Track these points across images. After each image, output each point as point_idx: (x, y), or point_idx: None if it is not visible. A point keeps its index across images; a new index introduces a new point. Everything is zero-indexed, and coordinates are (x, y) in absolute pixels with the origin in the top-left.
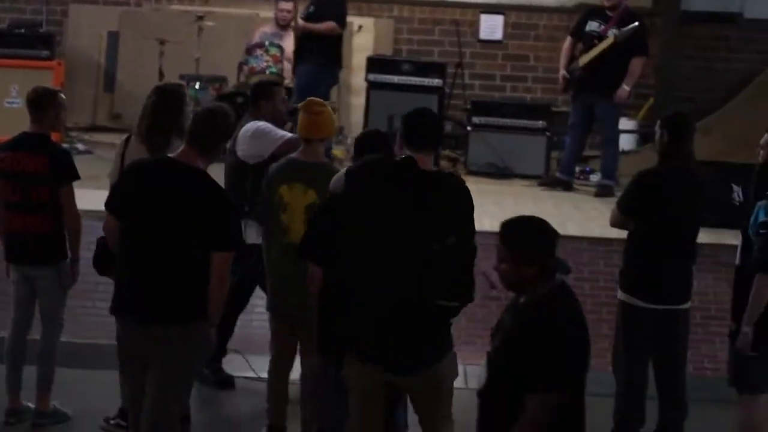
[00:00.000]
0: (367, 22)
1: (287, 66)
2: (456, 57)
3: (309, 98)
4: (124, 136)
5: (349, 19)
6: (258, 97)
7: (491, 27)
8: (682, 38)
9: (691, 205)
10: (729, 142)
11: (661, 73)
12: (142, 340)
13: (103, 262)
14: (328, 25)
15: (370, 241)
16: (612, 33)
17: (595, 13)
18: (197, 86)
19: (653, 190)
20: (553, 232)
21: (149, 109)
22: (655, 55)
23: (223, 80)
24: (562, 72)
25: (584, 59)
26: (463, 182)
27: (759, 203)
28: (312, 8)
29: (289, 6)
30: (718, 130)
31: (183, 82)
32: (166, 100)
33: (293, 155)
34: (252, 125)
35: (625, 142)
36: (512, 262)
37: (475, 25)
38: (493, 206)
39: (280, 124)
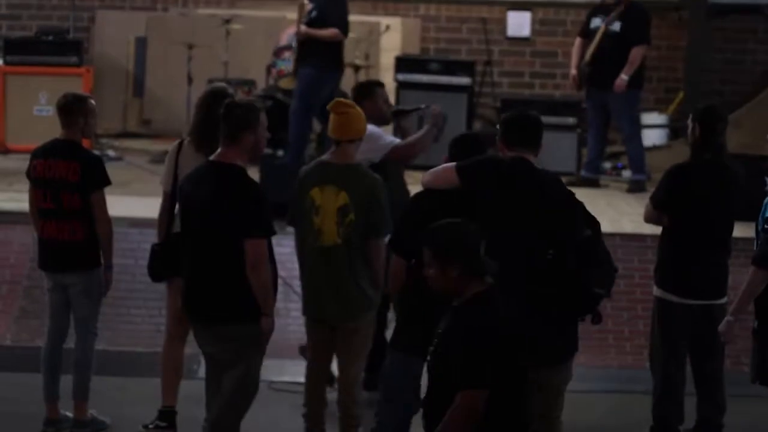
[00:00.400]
0: (394, 21)
1: None
2: (484, 55)
3: (336, 99)
4: (176, 142)
5: (376, 19)
6: (361, 97)
7: (519, 24)
8: (710, 31)
9: (725, 199)
10: (760, 134)
11: (690, 67)
12: (207, 340)
13: (157, 269)
14: (332, 32)
15: (501, 238)
16: (616, 23)
17: (599, 9)
18: None
19: (686, 185)
20: (476, 235)
21: (204, 114)
22: (683, 48)
23: (251, 83)
24: (573, 71)
25: (587, 54)
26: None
27: (766, 199)
28: (314, 13)
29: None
30: (749, 122)
31: (226, 85)
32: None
33: (324, 157)
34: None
35: (657, 136)
36: (437, 267)
37: (502, 23)
38: None
39: (382, 124)
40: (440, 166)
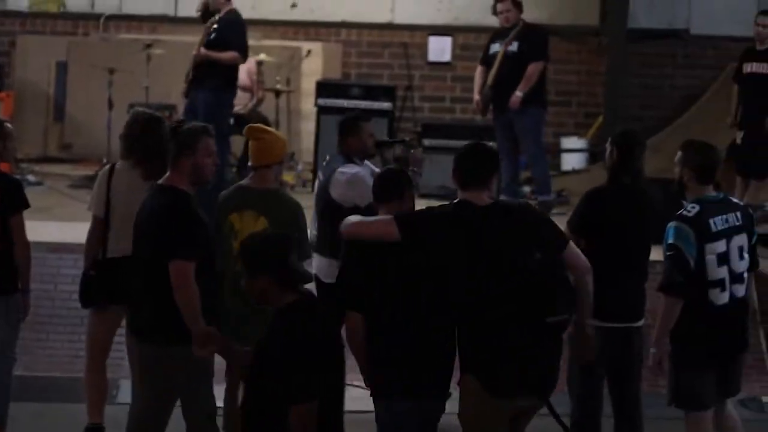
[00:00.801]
0: (316, 46)
1: (237, 93)
2: (405, 80)
3: (251, 125)
4: (106, 166)
5: (298, 43)
6: (344, 133)
7: (440, 49)
8: (629, 56)
9: (641, 223)
10: None
11: (610, 92)
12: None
13: (89, 295)
14: (232, 55)
15: (484, 280)
16: (514, 45)
17: (498, 35)
18: None
19: (602, 209)
20: (284, 246)
21: (139, 135)
22: (603, 73)
23: (172, 108)
24: (476, 97)
25: (489, 78)
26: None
27: (669, 224)
28: (213, 35)
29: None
30: (667, 147)
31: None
32: (153, 126)
33: (243, 182)
34: (348, 171)
35: (576, 161)
36: (247, 277)
37: (423, 48)
38: None
39: (366, 157)
40: (370, 219)
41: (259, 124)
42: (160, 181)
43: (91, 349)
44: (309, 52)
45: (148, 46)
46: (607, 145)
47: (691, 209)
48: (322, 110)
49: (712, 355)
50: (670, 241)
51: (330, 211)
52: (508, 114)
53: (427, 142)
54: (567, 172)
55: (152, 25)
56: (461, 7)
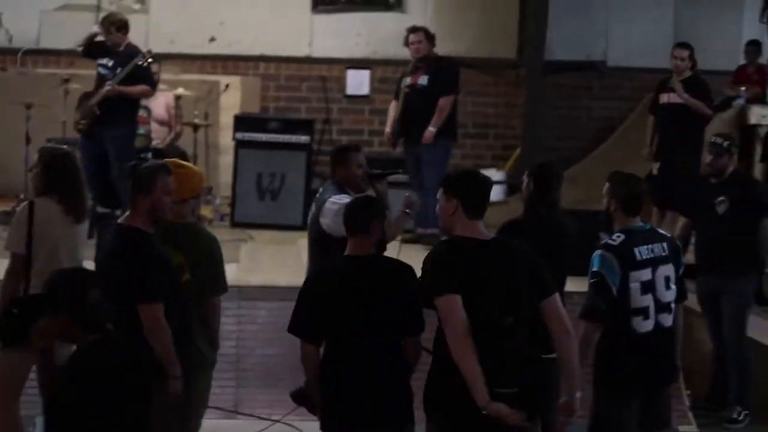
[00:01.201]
0: (234, 80)
1: (155, 127)
2: (323, 113)
3: (167, 159)
4: (25, 203)
5: (216, 77)
6: (333, 163)
7: (358, 82)
8: (547, 88)
9: (557, 254)
10: (596, 190)
11: (527, 124)
12: None
13: (11, 333)
14: (143, 88)
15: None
16: (424, 78)
17: (407, 70)
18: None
19: (521, 239)
20: (83, 284)
21: (64, 172)
22: (520, 105)
23: None
24: (387, 130)
25: (397, 112)
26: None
27: (594, 253)
28: (119, 70)
29: (155, 67)
30: (584, 178)
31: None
32: (66, 161)
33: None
34: (337, 200)
35: (494, 193)
36: (48, 314)
37: (341, 81)
38: None
39: (357, 190)
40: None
41: (174, 159)
42: (119, 221)
43: (8, 388)
44: (227, 86)
45: (66, 80)
46: (524, 177)
47: (616, 238)
48: (240, 144)
49: (635, 383)
50: (594, 268)
51: (321, 240)
52: (413, 146)
53: None
54: None
55: (69, 59)
56: (379, 41)
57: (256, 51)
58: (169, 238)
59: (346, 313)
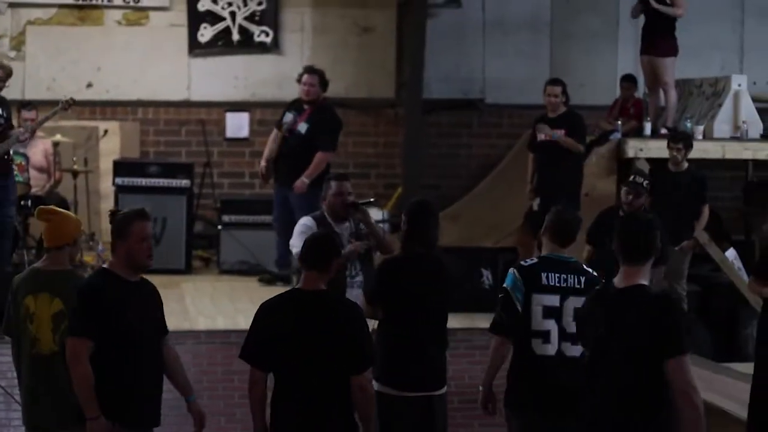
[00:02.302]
0: (113, 125)
1: (33, 174)
2: (204, 156)
3: (40, 207)
4: None
5: (95, 123)
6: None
7: (237, 125)
8: (425, 126)
9: (436, 291)
10: (477, 226)
11: (407, 162)
12: None
13: None
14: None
15: None
16: (304, 125)
17: (294, 105)
18: None
19: (395, 278)
20: None
21: None
22: (400, 144)
23: None
24: (262, 163)
25: (272, 152)
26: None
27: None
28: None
29: (32, 115)
30: (466, 215)
31: None
32: None
33: (37, 264)
34: (303, 224)
35: None
36: None
37: (221, 124)
38: (248, 303)
39: (334, 216)
40: None
41: (49, 206)
42: (104, 265)
43: None
44: (106, 131)
45: None
46: (402, 216)
47: (529, 261)
48: (120, 189)
49: (538, 403)
50: (504, 285)
51: None
52: (283, 188)
53: (226, 218)
54: None
55: None
56: (257, 84)
57: (134, 96)
58: (46, 286)
59: (290, 347)
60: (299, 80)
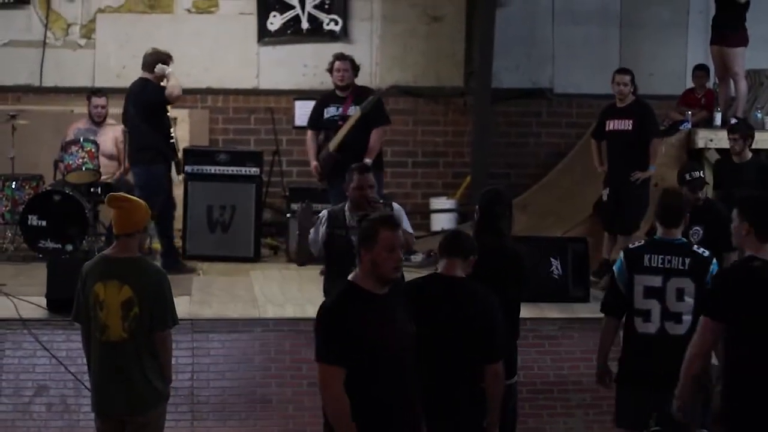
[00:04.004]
0: (182, 113)
1: (103, 161)
2: (272, 145)
3: (112, 194)
4: None
5: None
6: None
7: (306, 113)
8: (494, 115)
9: (508, 281)
10: (546, 216)
11: (476, 151)
12: None
13: None
14: None
15: None
16: (355, 108)
17: (328, 99)
18: (13, 186)
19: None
20: None
21: None
22: (469, 133)
23: (39, 179)
24: (313, 163)
25: (334, 143)
26: None
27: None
28: None
29: (102, 101)
30: (534, 205)
31: None
32: None
33: (106, 252)
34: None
35: (445, 220)
36: None
37: (289, 112)
38: (316, 292)
39: (356, 207)
40: None
41: (120, 193)
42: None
43: None
44: (175, 119)
45: (13, 116)
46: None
47: (636, 244)
48: (189, 177)
49: (641, 378)
50: (614, 267)
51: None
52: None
53: (295, 206)
54: (436, 233)
55: (17, 95)
56: (326, 72)
57: (204, 84)
58: (116, 274)
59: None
60: (330, 69)
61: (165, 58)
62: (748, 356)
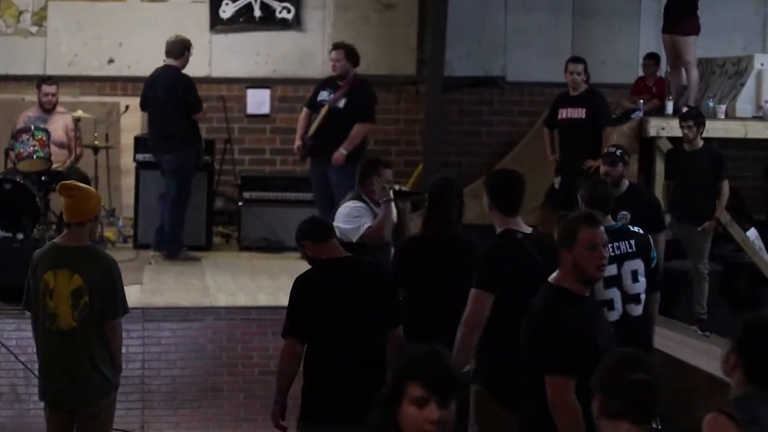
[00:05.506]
0: (134, 101)
1: (54, 149)
2: (224, 133)
3: (62, 182)
4: None
5: (116, 99)
6: (364, 173)
7: (258, 101)
8: (446, 104)
9: (457, 269)
10: None
11: (428, 140)
12: None
13: None
14: None
15: None
16: (344, 99)
17: (327, 83)
18: None
19: (416, 256)
20: None
21: None
22: (421, 121)
23: None
24: (297, 142)
25: (312, 128)
26: None
27: None
28: None
29: (53, 89)
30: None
31: None
32: None
33: (56, 240)
34: (348, 206)
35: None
36: None
37: (242, 100)
38: (268, 280)
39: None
40: None
41: (71, 181)
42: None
43: None
44: (127, 107)
45: None
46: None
47: None
48: (141, 165)
49: None
50: None
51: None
52: (322, 163)
53: (247, 194)
54: None
55: None
56: (279, 60)
57: None
58: (66, 262)
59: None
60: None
61: (189, 46)
62: (500, 317)
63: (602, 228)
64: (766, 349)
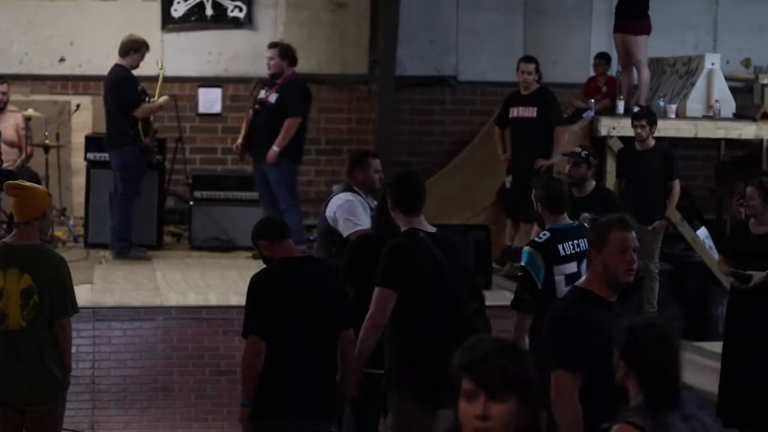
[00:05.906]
0: (85, 100)
1: (5, 148)
2: (176, 132)
3: (8, 182)
4: None
5: (67, 98)
6: (353, 165)
7: (210, 100)
8: (398, 103)
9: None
10: (448, 204)
11: (380, 139)
12: None
13: None
14: None
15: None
16: (275, 96)
17: (267, 82)
18: None
19: (365, 255)
20: None
21: None
22: (373, 121)
23: None
24: (238, 141)
25: (246, 126)
26: None
27: (523, 249)
28: None
29: (3, 88)
30: (437, 192)
31: None
32: None
33: (6, 240)
34: (342, 198)
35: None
36: None
37: (193, 99)
38: (219, 280)
39: (371, 193)
40: None
41: (17, 181)
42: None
43: None
44: (78, 106)
45: None
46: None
47: (543, 236)
48: (92, 164)
49: None
50: (522, 263)
51: (328, 235)
52: (259, 161)
53: (198, 194)
54: None
55: None
56: (230, 59)
57: (106, 70)
58: (16, 261)
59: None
60: None
61: (140, 46)
62: (411, 318)
63: (633, 233)
64: (652, 356)
